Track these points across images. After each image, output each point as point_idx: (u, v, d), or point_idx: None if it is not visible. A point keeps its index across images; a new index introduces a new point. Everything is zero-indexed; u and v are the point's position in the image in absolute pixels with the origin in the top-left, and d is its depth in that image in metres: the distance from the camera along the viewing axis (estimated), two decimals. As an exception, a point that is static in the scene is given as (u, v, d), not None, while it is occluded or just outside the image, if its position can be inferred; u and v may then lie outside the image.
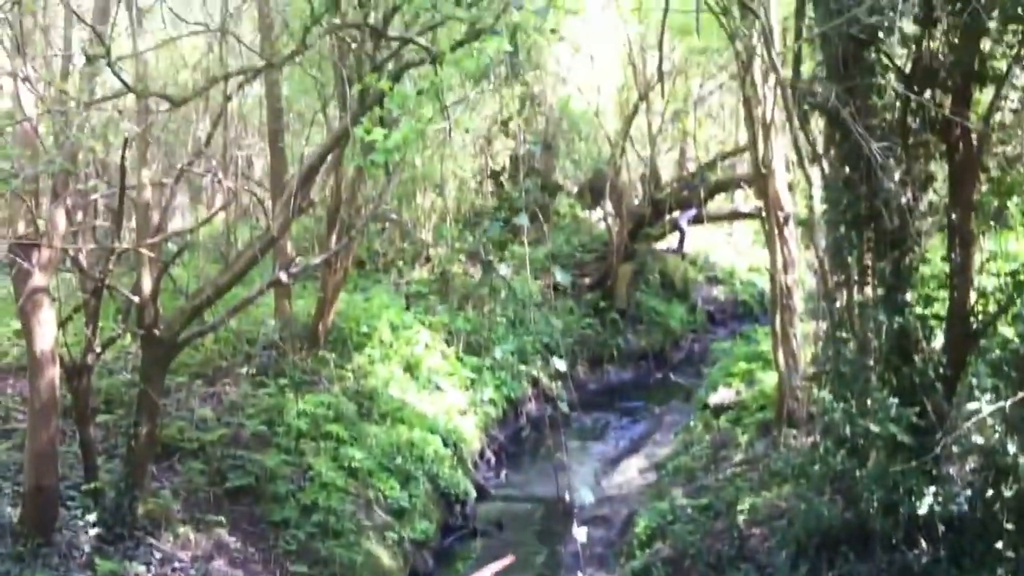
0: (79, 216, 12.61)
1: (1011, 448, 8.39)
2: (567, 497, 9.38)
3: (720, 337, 24.20)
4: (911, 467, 8.67)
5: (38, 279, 9.70)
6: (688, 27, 16.72)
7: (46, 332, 9.80)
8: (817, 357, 11.34)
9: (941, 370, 9.51)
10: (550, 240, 23.33)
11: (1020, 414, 8.26)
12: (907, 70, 9.58)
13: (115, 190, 10.73)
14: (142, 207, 11.68)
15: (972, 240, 9.65)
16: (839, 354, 9.74)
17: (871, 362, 9.46)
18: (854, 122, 8.96)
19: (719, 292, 27.57)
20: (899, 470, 8.79)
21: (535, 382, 19.83)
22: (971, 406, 8.59)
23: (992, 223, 9.64)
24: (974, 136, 9.42)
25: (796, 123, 9.89)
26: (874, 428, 8.92)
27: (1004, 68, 9.27)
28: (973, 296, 9.66)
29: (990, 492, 8.78)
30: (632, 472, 16.13)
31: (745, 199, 24.73)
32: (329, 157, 12.13)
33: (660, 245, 26.16)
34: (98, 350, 10.77)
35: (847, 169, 9.50)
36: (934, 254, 9.99)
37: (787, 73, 10.20)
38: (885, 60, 9.48)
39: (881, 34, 9.07)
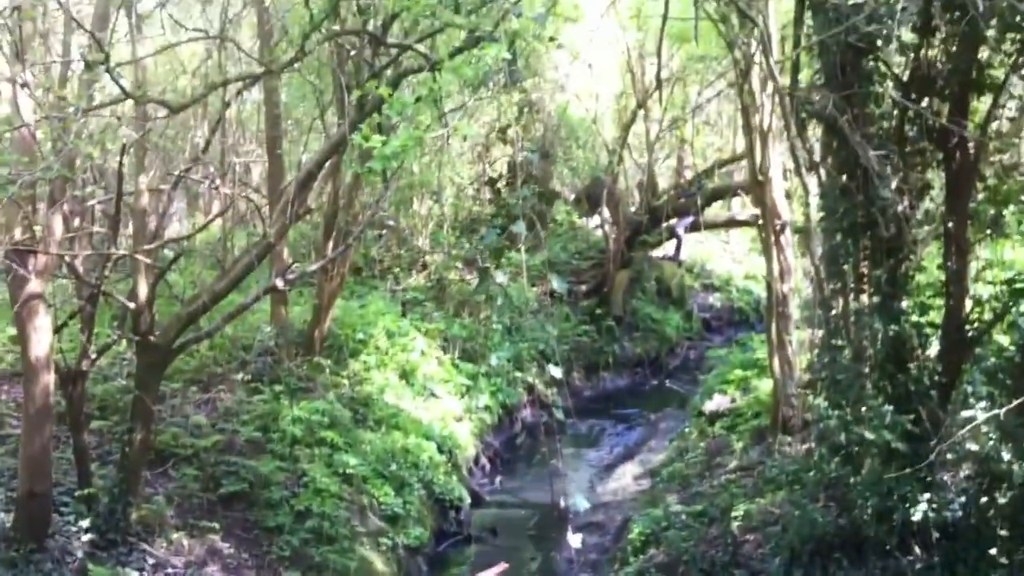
0: (76, 222, 12.63)
1: (1005, 455, 8.41)
2: (562, 503, 9.40)
3: (716, 344, 24.25)
4: (905, 474, 8.67)
5: (34, 285, 9.69)
6: (687, 35, 16.77)
7: (41, 338, 9.80)
8: (812, 364, 11.34)
9: (936, 378, 9.52)
10: (547, 247, 23.35)
11: (1014, 422, 8.27)
12: (905, 78, 9.60)
13: (112, 196, 10.74)
14: (139, 213, 11.68)
15: (968, 248, 9.66)
16: (834, 361, 9.74)
17: (866, 369, 9.47)
18: (851, 130, 8.98)
19: (715, 299, 27.61)
20: (893, 477, 8.79)
21: (530, 389, 19.84)
22: (966, 413, 8.61)
23: (988, 231, 9.65)
24: (971, 145, 9.43)
25: (794, 131, 9.89)
26: (869, 435, 8.92)
27: (1002, 77, 9.30)
28: (969, 304, 9.67)
29: (984, 499, 8.80)
30: (627, 478, 16.13)
31: (742, 207, 24.81)
32: (327, 164, 12.14)
33: (657, 252, 26.18)
34: (93, 356, 10.77)
35: (844, 177, 9.51)
36: (930, 262, 10.01)
37: (785, 81, 10.22)
38: (883, 68, 9.51)
39: (879, 43, 9.08)
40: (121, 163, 10.14)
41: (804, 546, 9.81)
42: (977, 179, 9.62)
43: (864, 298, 9.68)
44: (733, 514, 11.70)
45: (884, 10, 8.73)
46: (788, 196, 14.16)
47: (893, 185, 9.11)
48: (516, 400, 19.29)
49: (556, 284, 6.99)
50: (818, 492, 10.20)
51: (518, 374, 19.76)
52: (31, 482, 9.82)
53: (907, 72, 9.61)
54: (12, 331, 12.60)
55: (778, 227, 13.52)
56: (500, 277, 8.59)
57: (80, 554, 10.01)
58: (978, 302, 9.60)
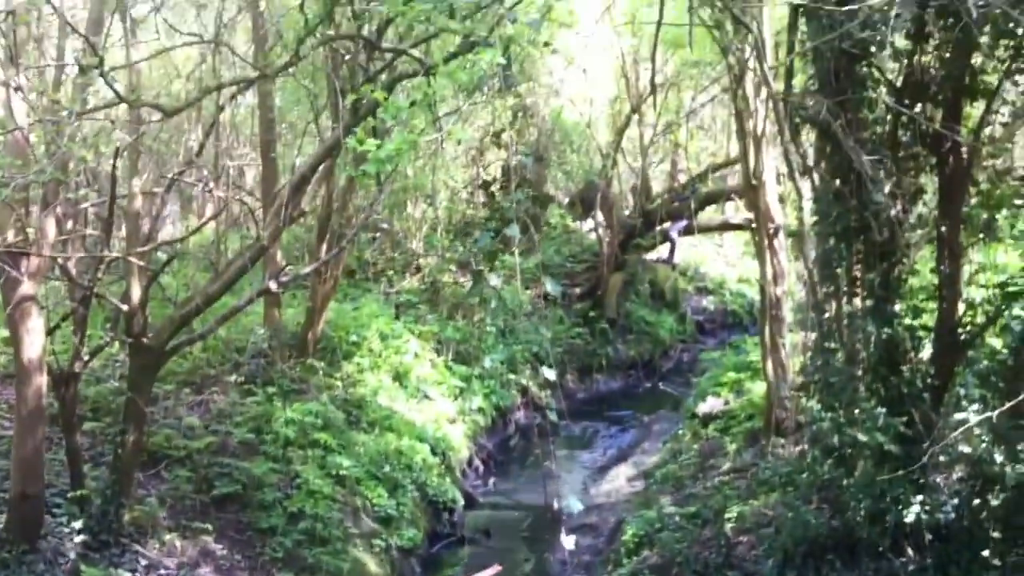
0: (69, 225, 12.61)
1: (998, 458, 8.43)
2: (555, 505, 9.39)
3: (709, 347, 24.25)
4: (898, 476, 8.69)
5: (27, 287, 9.69)
6: (681, 40, 16.83)
7: (34, 340, 9.80)
8: (806, 367, 11.38)
9: (929, 380, 9.55)
10: (541, 250, 23.34)
11: (1007, 424, 8.30)
12: (898, 84, 9.65)
13: (105, 199, 10.73)
14: (132, 216, 11.67)
15: (961, 252, 9.71)
16: (827, 364, 9.77)
17: (859, 372, 9.51)
18: (845, 135, 9.00)
19: (709, 302, 27.61)
20: (886, 479, 8.82)
21: (524, 391, 19.84)
22: (958, 416, 8.63)
23: (981, 235, 9.70)
24: (964, 150, 9.48)
25: (787, 136, 9.93)
26: (862, 437, 8.95)
27: (995, 82, 9.34)
28: (961, 307, 9.71)
29: (977, 501, 8.84)
30: (620, 480, 16.14)
31: (736, 211, 24.82)
32: (321, 167, 12.14)
33: (651, 256, 26.19)
34: (86, 358, 10.76)
35: (837, 182, 9.54)
36: (923, 266, 10.05)
37: (779, 86, 10.26)
38: (876, 74, 9.54)
39: (873, 48, 9.13)
40: (115, 166, 10.13)
41: (797, 548, 9.84)
42: (970, 184, 9.66)
43: (857, 301, 9.72)
44: (726, 516, 11.73)
45: (878, 16, 8.76)
46: (782, 200, 14.19)
47: (886, 189, 9.15)
48: (510, 402, 19.30)
49: (550, 287, 6.98)
50: (811, 494, 10.23)
51: (512, 376, 19.77)
52: (23, 484, 9.81)
53: (900, 78, 9.65)
54: (5, 333, 12.58)
55: (771, 231, 13.56)
56: (494, 280, 8.62)
57: (73, 555, 10.00)
58: (971, 305, 9.64)
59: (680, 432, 16.54)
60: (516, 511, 15.70)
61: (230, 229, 20.23)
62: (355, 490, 13.33)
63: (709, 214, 26.42)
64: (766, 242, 13.53)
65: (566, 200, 28.43)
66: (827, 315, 9.89)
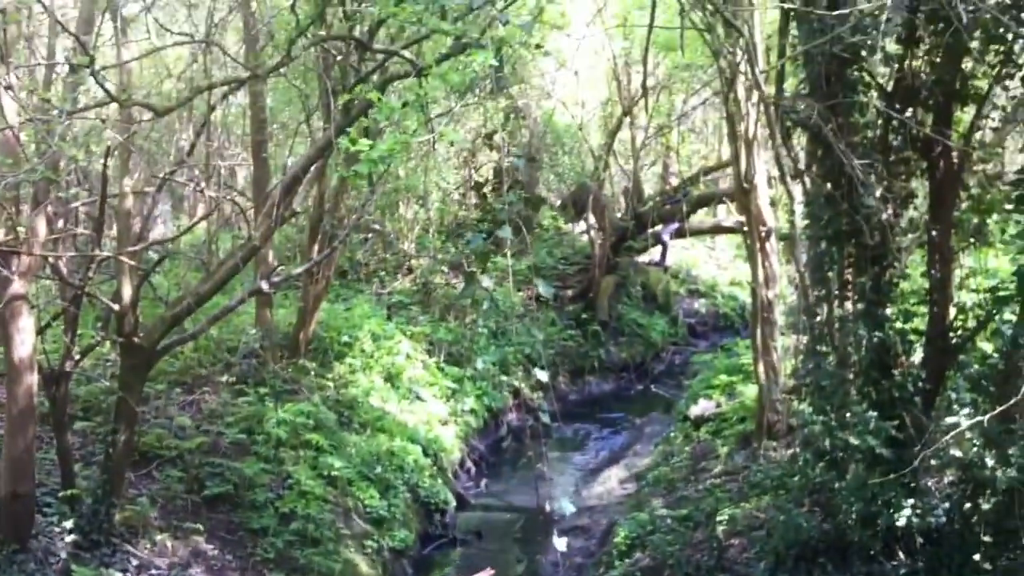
0: (60, 224, 12.58)
1: (989, 461, 8.45)
2: (547, 507, 9.43)
3: (701, 350, 24.29)
4: (890, 479, 8.70)
5: (17, 286, 9.66)
6: (672, 43, 16.88)
7: (25, 339, 9.76)
8: (797, 370, 11.40)
9: (920, 384, 9.57)
10: (533, 252, 23.38)
11: (998, 428, 8.32)
12: (889, 88, 9.67)
13: (96, 198, 10.70)
14: (123, 215, 11.64)
15: (952, 256, 9.74)
16: (819, 367, 9.79)
17: (851, 376, 9.52)
18: (836, 139, 9.02)
19: (700, 305, 27.66)
20: (878, 482, 8.82)
21: (516, 393, 19.87)
22: (949, 420, 8.65)
23: (972, 240, 9.73)
24: (955, 154, 9.51)
25: (779, 139, 9.95)
26: (853, 441, 8.97)
27: (985, 87, 9.37)
28: (952, 311, 9.74)
29: (968, 505, 8.86)
30: (612, 483, 16.14)
31: (727, 213, 24.88)
32: (313, 167, 12.13)
33: (642, 258, 26.24)
34: (77, 357, 10.72)
35: (829, 185, 9.55)
36: (914, 270, 10.07)
37: (770, 90, 10.28)
38: (868, 78, 9.56)
39: (864, 53, 9.16)
40: (105, 165, 10.11)
41: (789, 550, 9.85)
42: (961, 188, 9.69)
43: (848, 305, 9.73)
44: (718, 518, 11.73)
45: (869, 21, 8.80)
46: (773, 203, 14.22)
47: (877, 193, 9.17)
48: (502, 404, 19.30)
49: (542, 289, 6.96)
50: (803, 497, 10.24)
51: (504, 378, 19.78)
52: (14, 483, 9.77)
53: (891, 82, 9.67)
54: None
55: (763, 234, 13.58)
56: (486, 281, 8.59)
57: (63, 555, 9.97)
58: (962, 309, 9.66)
59: (672, 435, 16.55)
60: (508, 513, 15.70)
61: (221, 229, 20.23)
62: (347, 491, 13.32)
63: (701, 217, 26.50)
64: (758, 245, 13.55)
65: (558, 202, 28.49)
66: (818, 318, 9.91)
